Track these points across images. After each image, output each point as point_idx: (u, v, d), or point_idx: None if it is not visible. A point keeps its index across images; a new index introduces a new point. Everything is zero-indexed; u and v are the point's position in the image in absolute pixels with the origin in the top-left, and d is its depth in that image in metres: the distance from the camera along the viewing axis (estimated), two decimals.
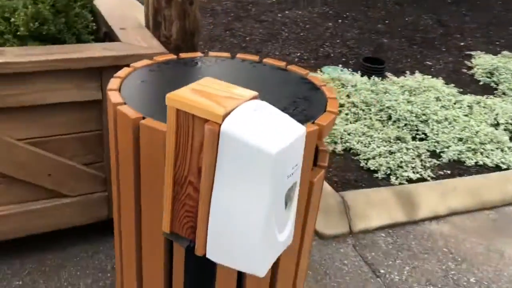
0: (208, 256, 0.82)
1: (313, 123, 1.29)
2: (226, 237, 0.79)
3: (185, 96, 0.75)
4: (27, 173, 1.85)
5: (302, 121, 1.31)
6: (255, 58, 1.72)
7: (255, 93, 0.80)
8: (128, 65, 1.53)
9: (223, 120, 0.72)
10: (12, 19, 1.87)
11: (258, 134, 0.71)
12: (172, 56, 1.65)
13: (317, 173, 1.40)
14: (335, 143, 3.03)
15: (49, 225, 1.97)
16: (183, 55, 1.69)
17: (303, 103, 1.41)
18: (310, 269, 2.16)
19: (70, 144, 1.89)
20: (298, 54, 4.49)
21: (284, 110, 1.36)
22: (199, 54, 1.71)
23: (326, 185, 2.54)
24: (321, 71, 4.04)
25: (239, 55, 1.73)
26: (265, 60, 1.72)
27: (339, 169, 2.81)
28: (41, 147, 1.84)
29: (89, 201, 2.00)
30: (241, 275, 1.36)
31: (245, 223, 0.75)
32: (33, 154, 1.84)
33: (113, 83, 1.40)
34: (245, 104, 0.75)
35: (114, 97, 1.31)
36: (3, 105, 1.71)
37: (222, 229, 0.78)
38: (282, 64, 1.69)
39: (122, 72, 1.48)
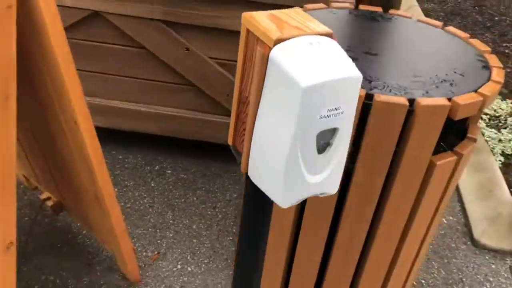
0: (249, 174, 0.87)
1: (449, 99, 1.15)
2: (261, 160, 0.82)
3: (256, 18, 0.78)
4: (210, 88, 2.13)
5: (440, 94, 1.18)
6: (438, 24, 1.57)
7: (328, 30, 0.77)
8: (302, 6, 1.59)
9: (274, 45, 0.74)
10: None
11: (298, 65, 0.71)
12: (349, 6, 1.64)
13: (444, 157, 1.26)
14: None
15: (217, 137, 2.24)
16: (362, 7, 1.65)
17: (457, 78, 1.26)
18: (445, 269, 1.97)
19: None
20: None
21: (429, 78, 1.24)
22: (379, 9, 1.65)
23: (505, 191, 2.21)
24: None
25: (422, 19, 1.61)
26: (448, 28, 1.56)
27: None
28: (225, 68, 2.08)
29: None
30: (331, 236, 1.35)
31: (274, 152, 0.77)
32: (218, 73, 2.09)
33: None
34: (305, 36, 0.75)
35: None
36: (202, 24, 1.98)
37: (259, 152, 0.82)
38: (464, 35, 1.51)
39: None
